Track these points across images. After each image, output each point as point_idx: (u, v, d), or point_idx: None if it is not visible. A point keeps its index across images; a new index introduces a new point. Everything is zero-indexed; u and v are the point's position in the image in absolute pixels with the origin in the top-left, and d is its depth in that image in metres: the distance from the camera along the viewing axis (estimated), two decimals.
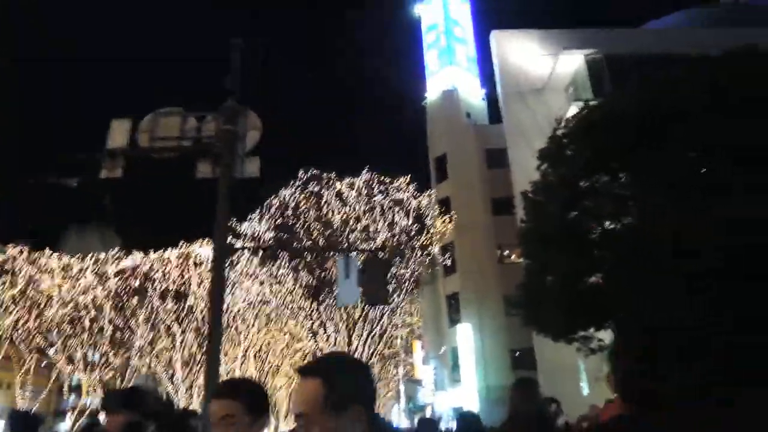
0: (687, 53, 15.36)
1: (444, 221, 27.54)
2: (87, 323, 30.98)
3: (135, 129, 6.40)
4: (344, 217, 23.59)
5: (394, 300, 25.76)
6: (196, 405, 32.26)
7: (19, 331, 30.36)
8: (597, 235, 12.79)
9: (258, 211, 23.59)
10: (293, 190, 24.02)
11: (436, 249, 27.84)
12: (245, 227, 23.79)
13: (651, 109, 10.73)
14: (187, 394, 31.01)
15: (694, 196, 9.25)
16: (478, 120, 34.84)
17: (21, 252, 29.59)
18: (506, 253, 30.38)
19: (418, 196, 26.68)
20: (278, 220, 23.38)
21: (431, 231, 26.73)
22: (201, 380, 31.93)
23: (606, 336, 13.82)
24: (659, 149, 10.27)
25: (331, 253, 18.23)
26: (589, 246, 12.56)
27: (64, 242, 41.74)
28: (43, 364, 32.98)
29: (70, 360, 31.43)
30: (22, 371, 32.07)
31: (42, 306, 29.85)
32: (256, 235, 24.04)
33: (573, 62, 25.37)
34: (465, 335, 27.94)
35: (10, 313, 29.26)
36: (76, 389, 35.21)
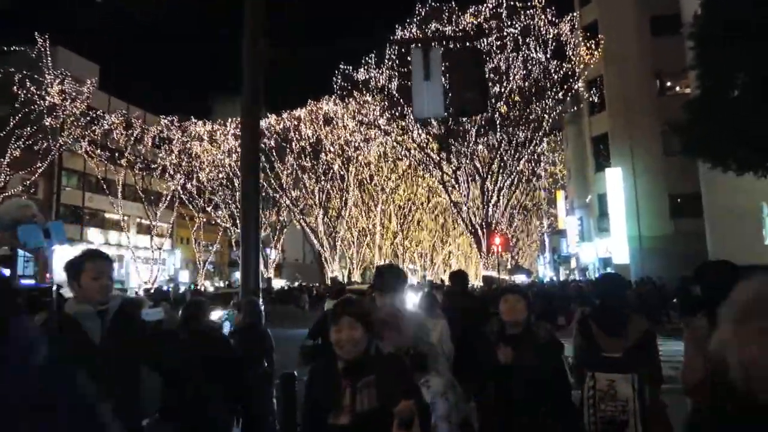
0: None
1: (590, 50, 23.51)
2: (237, 184, 33.42)
3: None
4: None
5: (530, 141, 23.49)
6: (335, 254, 34.20)
7: (184, 194, 33.86)
8: None
9: (373, 54, 21.86)
10: (410, 29, 21.76)
11: (580, 84, 24.30)
12: (360, 74, 22.41)
13: None
14: (329, 243, 32.93)
15: None
16: None
17: (172, 122, 31.98)
18: (668, 83, 25.69)
19: (558, 22, 22.85)
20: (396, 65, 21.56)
21: (574, 62, 23.11)
22: (342, 233, 33.62)
23: None
24: None
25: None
26: None
27: (209, 111, 44.50)
28: (212, 222, 36.98)
29: (232, 218, 34.65)
30: (194, 228, 36.31)
31: (197, 170, 32.64)
32: (373, 81, 22.67)
33: None
34: (615, 180, 25.02)
35: (173, 177, 32.46)
36: None
